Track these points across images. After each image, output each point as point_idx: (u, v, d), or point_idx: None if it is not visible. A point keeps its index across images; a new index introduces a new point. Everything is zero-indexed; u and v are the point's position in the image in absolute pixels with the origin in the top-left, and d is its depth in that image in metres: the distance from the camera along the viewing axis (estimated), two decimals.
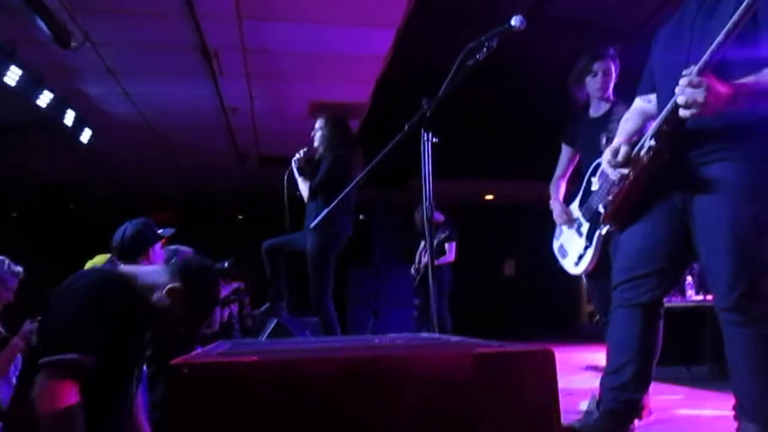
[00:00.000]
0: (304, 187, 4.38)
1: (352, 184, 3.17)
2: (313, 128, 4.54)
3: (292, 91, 6.54)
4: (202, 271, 2.12)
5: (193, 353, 1.49)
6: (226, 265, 4.83)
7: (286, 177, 4.43)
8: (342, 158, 4.30)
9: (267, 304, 4.55)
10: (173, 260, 3.09)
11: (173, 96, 6.57)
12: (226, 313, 5.48)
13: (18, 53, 5.16)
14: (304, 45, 5.45)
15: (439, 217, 6.95)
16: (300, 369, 1.17)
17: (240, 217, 12.66)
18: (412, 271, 7.30)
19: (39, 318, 2.27)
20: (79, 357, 1.79)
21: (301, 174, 4.41)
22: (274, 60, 5.75)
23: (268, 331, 4.08)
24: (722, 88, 1.75)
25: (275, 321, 4.14)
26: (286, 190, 4.36)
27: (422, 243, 7.19)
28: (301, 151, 4.45)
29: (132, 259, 3.00)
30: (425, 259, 7.04)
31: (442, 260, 6.76)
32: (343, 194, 3.24)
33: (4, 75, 5.10)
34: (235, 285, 5.58)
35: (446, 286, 6.69)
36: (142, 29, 5.07)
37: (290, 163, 4.44)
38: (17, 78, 5.22)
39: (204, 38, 5.20)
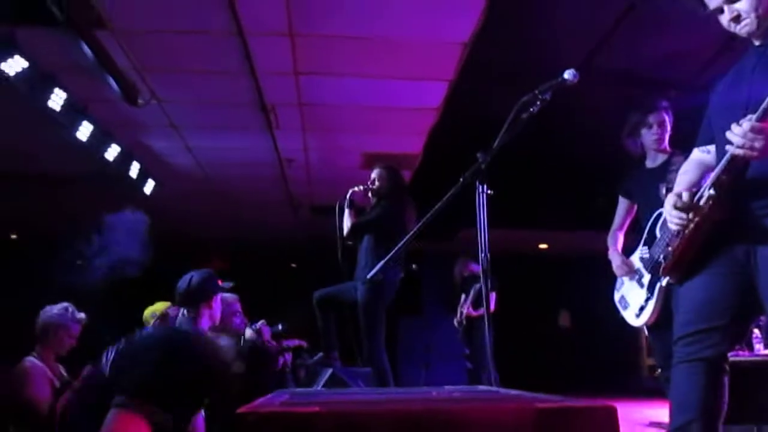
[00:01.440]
0: (348, 222, 4.40)
1: (407, 237, 3.21)
2: (365, 179, 4.62)
3: (345, 143, 6.71)
4: (265, 359, 2.19)
5: (256, 402, 1.52)
6: (279, 328, 4.91)
7: (337, 215, 4.46)
8: (394, 207, 4.35)
9: (320, 354, 4.57)
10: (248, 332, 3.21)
11: (231, 149, 6.82)
12: (281, 363, 5.51)
13: (89, 110, 5.47)
14: (357, 98, 5.61)
15: (476, 268, 6.95)
16: (362, 421, 1.19)
17: (293, 265, 12.83)
18: (455, 323, 7.27)
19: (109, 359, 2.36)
20: (156, 409, 1.85)
21: (350, 206, 4.43)
22: (329, 113, 5.93)
23: (323, 381, 4.09)
24: None
25: (329, 371, 4.15)
26: (340, 236, 4.41)
27: (463, 296, 7.19)
28: (361, 186, 4.49)
29: (194, 305, 3.11)
30: (466, 310, 7.01)
31: (482, 311, 6.73)
32: (399, 246, 3.28)
33: (77, 130, 5.40)
34: (296, 342, 5.65)
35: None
36: (205, 87, 5.33)
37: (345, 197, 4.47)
38: (88, 133, 5.52)
39: (262, 94, 5.41)
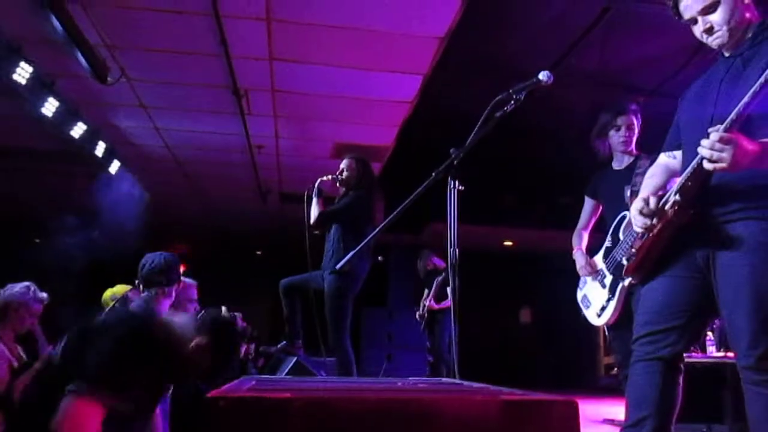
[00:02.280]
0: (315, 210, 4.39)
1: (377, 230, 3.22)
2: (336, 168, 4.62)
3: (317, 132, 6.69)
4: (228, 329, 2.17)
5: (224, 387, 1.52)
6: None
7: (305, 203, 4.45)
8: (363, 197, 4.36)
9: (284, 342, 4.56)
10: (200, 314, 3.18)
11: (201, 132, 6.75)
12: (243, 350, 5.50)
13: (56, 85, 5.35)
14: (331, 87, 5.59)
15: (440, 262, 7.05)
16: (333, 408, 1.21)
17: (258, 252, 12.77)
18: (417, 316, 7.34)
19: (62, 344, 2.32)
20: (108, 393, 1.83)
21: (318, 195, 4.43)
22: (302, 101, 5.90)
23: (287, 369, 4.09)
24: (750, 146, 1.79)
25: (294, 359, 4.15)
26: (307, 224, 4.40)
27: (426, 290, 7.27)
28: (330, 176, 4.49)
29: (156, 288, 3.08)
30: (428, 304, 7.09)
31: (444, 304, 6.83)
32: (369, 238, 3.29)
33: (42, 106, 5.28)
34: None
35: (447, 333, 6.70)
36: (177, 67, 5.25)
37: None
38: (54, 109, 5.40)
39: (236, 78, 5.36)
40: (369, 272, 4.42)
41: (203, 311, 3.64)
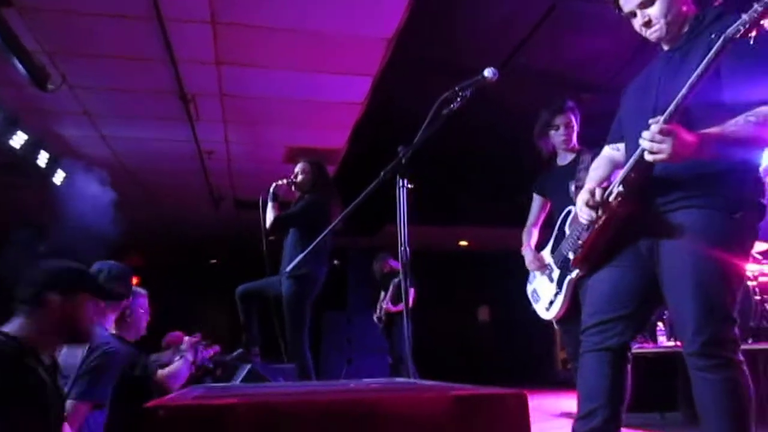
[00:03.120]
0: (270, 214, 4.32)
1: (327, 230, 3.20)
2: (289, 172, 4.58)
3: (268, 136, 6.62)
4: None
5: (167, 397, 1.47)
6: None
7: (260, 209, 4.38)
8: (319, 201, 4.32)
9: (240, 350, 4.49)
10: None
11: (149, 139, 6.60)
12: (200, 358, 5.38)
13: None
14: (281, 91, 5.54)
15: (397, 264, 7.04)
16: (279, 412, 1.17)
17: (214, 261, 12.57)
18: (375, 319, 7.32)
19: None
20: None
21: (274, 200, 4.36)
22: (252, 105, 5.83)
23: (241, 377, 4.02)
24: (689, 137, 1.82)
25: (248, 367, 4.08)
26: (263, 229, 4.33)
27: (383, 292, 7.26)
28: (285, 180, 4.43)
29: (108, 301, 2.96)
30: (385, 306, 7.09)
31: (400, 306, 6.82)
32: (319, 239, 3.26)
33: None
34: (210, 351, 5.51)
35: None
36: (121, 73, 5.12)
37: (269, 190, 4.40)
38: None
39: (182, 83, 5.26)
40: (327, 276, 4.38)
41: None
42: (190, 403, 1.21)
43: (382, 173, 2.47)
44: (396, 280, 6.94)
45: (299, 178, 4.45)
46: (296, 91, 5.54)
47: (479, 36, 5.08)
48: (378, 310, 7.28)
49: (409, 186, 2.45)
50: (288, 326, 4.13)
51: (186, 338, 3.31)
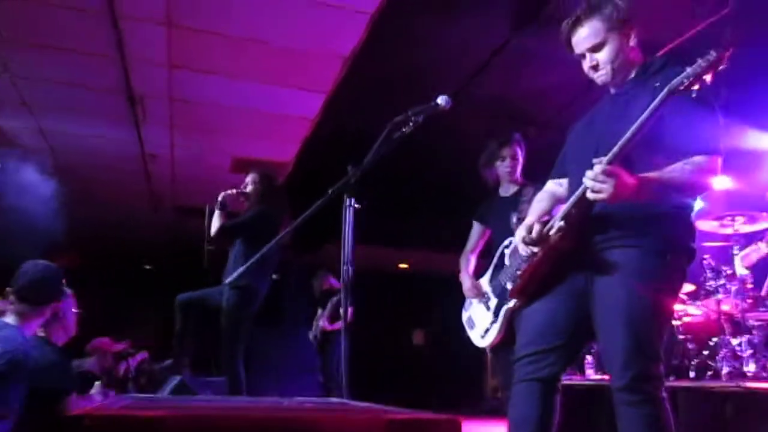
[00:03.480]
0: (216, 222, 4.24)
1: (270, 244, 3.16)
2: (233, 181, 4.52)
3: (215, 144, 6.52)
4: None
5: (92, 405, 1.41)
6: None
7: (206, 217, 4.30)
8: (267, 213, 4.27)
9: (170, 361, 4.36)
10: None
11: (90, 136, 6.39)
12: (122, 368, 5.21)
13: None
14: (231, 99, 5.48)
15: (336, 283, 7.04)
16: (209, 426, 1.15)
17: (148, 266, 12.22)
18: (311, 337, 7.27)
19: None
20: None
21: (222, 208, 4.28)
22: (201, 111, 5.74)
23: (170, 388, 3.90)
24: (629, 180, 1.90)
25: (178, 379, 3.97)
26: (207, 238, 4.25)
27: (320, 310, 7.22)
28: (234, 189, 4.37)
29: (30, 304, 2.82)
30: (321, 324, 7.04)
31: (336, 325, 6.80)
32: (264, 250, 3.22)
33: None
34: (138, 357, 5.36)
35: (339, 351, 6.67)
36: (67, 67, 4.96)
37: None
38: None
39: (131, 83, 5.14)
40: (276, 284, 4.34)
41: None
42: (117, 414, 1.16)
43: (330, 191, 2.46)
44: (335, 298, 6.90)
45: (249, 188, 4.41)
46: (248, 101, 5.49)
47: (434, 62, 5.16)
48: (314, 328, 7.22)
49: (356, 206, 2.45)
50: (224, 338, 4.04)
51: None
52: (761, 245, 4.97)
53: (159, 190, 7.99)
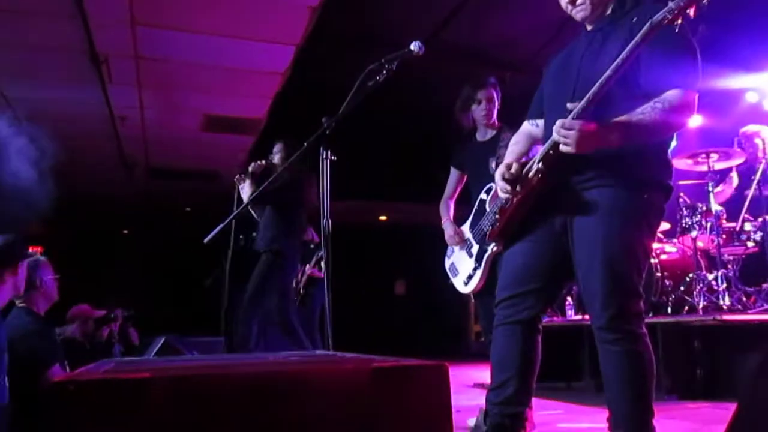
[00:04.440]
0: (247, 191, 4.36)
1: (244, 205, 3.17)
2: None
3: (186, 103, 6.38)
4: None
5: (76, 371, 1.41)
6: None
7: (236, 195, 4.40)
8: (295, 179, 4.33)
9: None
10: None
11: (56, 100, 6.21)
12: (106, 332, 5.20)
13: None
14: (200, 56, 5.34)
15: (316, 236, 7.02)
16: (196, 385, 1.14)
17: (125, 231, 12.09)
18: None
19: None
20: None
21: (251, 178, 4.39)
22: (168, 69, 5.59)
23: (155, 350, 3.92)
24: (592, 129, 1.89)
25: (161, 339, 3.99)
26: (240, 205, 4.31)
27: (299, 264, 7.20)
28: (262, 160, 4.46)
29: None
30: (309, 272, 7.03)
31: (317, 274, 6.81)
32: (235, 213, 3.20)
33: None
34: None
35: (319, 305, 6.69)
36: (26, 29, 4.78)
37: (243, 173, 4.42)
38: None
39: (93, 43, 4.98)
40: (241, 250, 4.40)
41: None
42: (102, 378, 1.15)
43: (305, 144, 2.43)
44: (320, 252, 6.87)
45: (276, 158, 4.48)
46: (216, 57, 5.36)
47: (405, 11, 5.06)
48: (293, 284, 7.21)
49: (333, 158, 2.43)
50: (250, 294, 4.21)
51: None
52: (732, 176, 5.06)
53: (131, 152, 7.85)
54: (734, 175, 5.07)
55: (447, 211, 3.54)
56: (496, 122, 3.41)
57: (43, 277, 3.12)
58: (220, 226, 3.34)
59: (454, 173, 3.61)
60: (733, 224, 4.71)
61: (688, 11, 1.79)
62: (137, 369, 1.36)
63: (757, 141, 4.96)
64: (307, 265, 7.19)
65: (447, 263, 3.39)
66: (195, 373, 1.22)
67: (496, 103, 3.40)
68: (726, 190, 5.07)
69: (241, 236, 7.04)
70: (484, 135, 3.43)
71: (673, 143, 5.74)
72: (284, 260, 4.32)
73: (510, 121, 3.35)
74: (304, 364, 1.42)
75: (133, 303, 6.38)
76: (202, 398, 1.14)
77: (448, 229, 3.40)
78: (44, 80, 5.73)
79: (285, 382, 1.20)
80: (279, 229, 4.21)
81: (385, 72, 2.43)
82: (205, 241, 3.72)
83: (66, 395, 1.09)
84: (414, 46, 2.45)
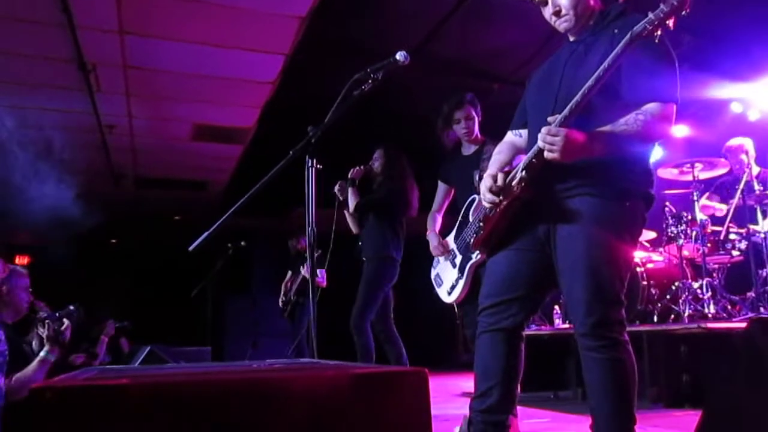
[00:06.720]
0: (352, 200, 4.45)
1: (231, 211, 3.12)
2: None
3: (174, 112, 6.38)
4: None
5: (56, 378, 1.40)
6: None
7: (336, 204, 4.47)
8: (399, 187, 4.40)
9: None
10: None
11: (44, 109, 6.21)
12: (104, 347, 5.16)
13: None
14: (189, 65, 5.35)
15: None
16: (175, 392, 1.14)
17: (113, 240, 12.01)
18: (280, 303, 7.22)
19: None
20: None
21: (352, 185, 4.47)
22: (157, 79, 5.60)
23: (140, 359, 3.90)
24: (577, 137, 1.92)
25: (147, 348, 3.96)
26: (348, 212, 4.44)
27: (289, 273, 7.17)
28: (362, 167, 4.52)
29: None
30: (304, 274, 7.00)
31: (322, 280, 6.76)
32: (224, 218, 3.18)
33: None
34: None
35: (308, 314, 6.65)
36: (15, 37, 4.77)
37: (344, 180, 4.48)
38: None
39: (82, 52, 4.97)
40: (231, 258, 4.40)
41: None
42: (80, 384, 1.15)
43: (291, 152, 2.44)
44: (315, 255, 6.83)
45: (376, 165, 4.52)
46: (205, 66, 5.37)
47: (392, 21, 5.09)
48: (282, 293, 7.19)
49: (318, 167, 2.44)
50: (358, 302, 4.36)
51: (46, 334, 3.11)
52: (717, 205, 5.06)
53: (120, 162, 7.82)
54: (720, 205, 5.06)
55: (433, 223, 3.59)
56: (479, 136, 3.47)
57: (14, 289, 3.11)
58: (205, 234, 3.33)
59: (441, 187, 3.67)
60: (718, 228, 4.74)
61: (667, 22, 1.82)
62: (117, 376, 1.36)
63: (743, 156, 5.01)
64: (290, 273, 7.17)
65: (432, 274, 3.43)
66: (173, 380, 1.22)
67: (476, 119, 3.47)
68: (710, 208, 5.06)
69: (229, 245, 7.03)
70: (468, 149, 3.50)
71: (660, 153, 5.83)
72: (393, 267, 4.45)
73: (496, 133, 3.39)
74: (283, 371, 1.42)
75: (120, 312, 6.35)
76: (180, 405, 1.14)
77: (433, 240, 3.45)
78: (31, 88, 5.71)
79: (263, 389, 1.20)
80: (387, 236, 4.30)
81: (370, 81, 2.45)
82: (190, 249, 3.71)
83: (44, 401, 1.09)
84: (399, 56, 2.48)
